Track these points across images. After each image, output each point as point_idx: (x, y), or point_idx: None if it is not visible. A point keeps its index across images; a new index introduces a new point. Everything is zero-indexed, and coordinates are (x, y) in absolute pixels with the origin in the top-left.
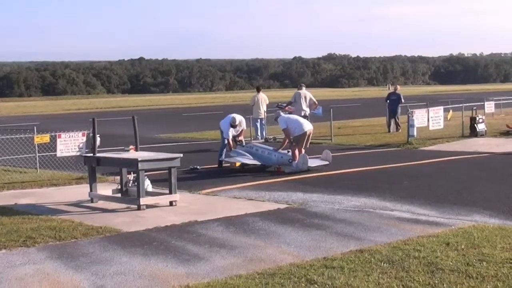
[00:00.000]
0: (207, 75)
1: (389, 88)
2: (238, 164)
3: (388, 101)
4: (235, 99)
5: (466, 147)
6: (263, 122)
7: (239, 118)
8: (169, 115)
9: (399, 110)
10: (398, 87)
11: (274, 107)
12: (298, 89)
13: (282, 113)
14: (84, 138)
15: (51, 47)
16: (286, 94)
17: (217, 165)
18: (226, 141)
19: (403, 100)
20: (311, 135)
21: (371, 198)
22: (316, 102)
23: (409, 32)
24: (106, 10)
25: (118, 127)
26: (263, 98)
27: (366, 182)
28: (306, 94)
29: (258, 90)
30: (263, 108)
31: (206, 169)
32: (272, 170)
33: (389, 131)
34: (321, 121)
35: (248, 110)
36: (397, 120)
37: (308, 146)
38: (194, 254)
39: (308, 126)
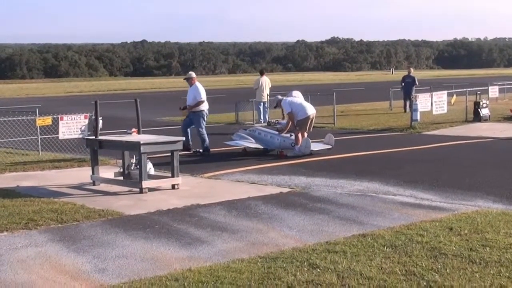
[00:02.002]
0: (209, 58)
1: (392, 73)
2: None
3: (403, 83)
4: (238, 82)
5: (469, 132)
6: (266, 105)
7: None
8: (171, 98)
9: (414, 91)
10: (412, 69)
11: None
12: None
13: (279, 97)
14: (86, 121)
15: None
16: (289, 77)
17: (223, 148)
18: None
19: (417, 83)
20: (314, 119)
21: (374, 182)
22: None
23: (413, 16)
24: None
25: (120, 110)
26: (267, 82)
27: (369, 166)
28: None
29: (262, 74)
30: (266, 92)
31: (209, 153)
32: (275, 154)
33: (405, 111)
34: (324, 105)
35: (251, 93)
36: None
37: (311, 130)
38: (196, 238)
39: (311, 110)
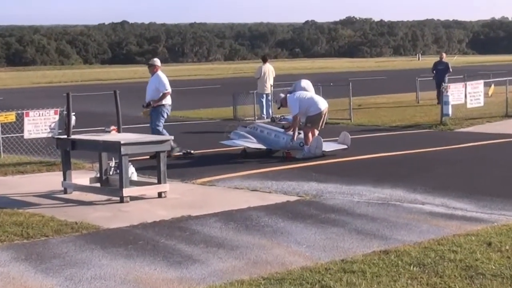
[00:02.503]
0: (202, 42)
1: (419, 59)
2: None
3: (434, 71)
4: (236, 71)
5: (510, 129)
6: (269, 98)
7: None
8: None
9: (447, 80)
10: (444, 55)
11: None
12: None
13: (282, 94)
14: (57, 117)
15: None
16: (297, 65)
17: (218, 149)
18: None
19: (451, 70)
20: (327, 115)
21: (397, 189)
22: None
23: None
24: None
25: (97, 104)
26: (270, 70)
27: (391, 170)
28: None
29: (265, 61)
30: (269, 82)
31: (202, 154)
32: (280, 155)
33: (438, 103)
34: (338, 97)
35: (252, 84)
36: None
37: (323, 127)
38: (187, 256)
39: (323, 104)
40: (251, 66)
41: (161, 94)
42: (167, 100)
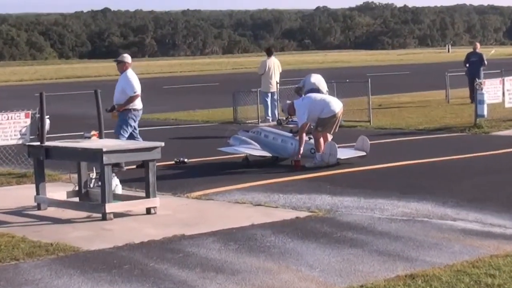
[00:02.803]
0: (197, 32)
1: (448, 51)
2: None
3: (467, 64)
4: (236, 66)
5: None
6: (275, 97)
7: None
8: (145, 88)
9: (482, 74)
10: (478, 45)
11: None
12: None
13: (288, 101)
14: (28, 121)
15: None
16: (307, 58)
17: (216, 156)
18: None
19: (486, 62)
20: (341, 117)
21: (425, 202)
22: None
23: None
24: None
25: (75, 105)
26: (276, 65)
27: (418, 180)
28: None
29: (269, 54)
30: (275, 78)
31: (197, 163)
32: (288, 164)
33: (471, 101)
34: (355, 96)
35: (255, 81)
36: None
37: (337, 131)
38: (180, 282)
39: (338, 105)
40: (254, 60)
41: (128, 97)
42: (136, 104)
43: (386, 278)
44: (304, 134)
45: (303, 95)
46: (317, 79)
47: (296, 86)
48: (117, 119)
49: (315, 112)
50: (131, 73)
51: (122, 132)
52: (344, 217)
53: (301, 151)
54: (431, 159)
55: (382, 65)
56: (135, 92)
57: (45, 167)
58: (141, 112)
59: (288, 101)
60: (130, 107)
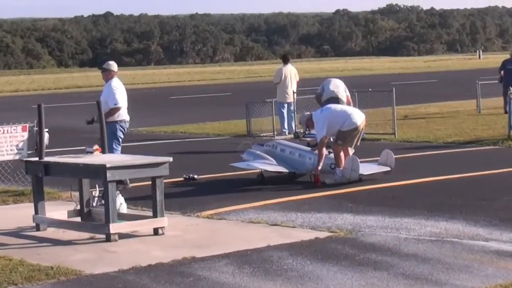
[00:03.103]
0: (206, 38)
1: (479, 57)
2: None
3: (502, 71)
4: (249, 74)
5: None
6: (292, 108)
7: None
8: (151, 98)
9: None
10: None
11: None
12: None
13: (307, 113)
14: (26, 135)
15: None
16: (325, 65)
17: (229, 172)
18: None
19: None
20: (363, 130)
21: (455, 221)
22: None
23: None
24: None
25: (75, 118)
26: (293, 73)
27: (447, 198)
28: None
29: (286, 61)
30: (292, 88)
31: (208, 180)
32: (306, 180)
33: (505, 112)
34: (378, 107)
35: (270, 90)
36: None
37: (358, 144)
38: None
39: (360, 117)
40: (268, 68)
41: (109, 109)
42: (122, 116)
43: None
44: (324, 149)
45: (322, 104)
46: (336, 86)
47: (316, 92)
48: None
49: (335, 125)
50: (116, 83)
51: (114, 146)
52: (367, 237)
53: (321, 166)
54: (461, 175)
55: (407, 72)
56: (115, 104)
57: (44, 185)
58: (128, 124)
59: (307, 113)
60: (116, 119)
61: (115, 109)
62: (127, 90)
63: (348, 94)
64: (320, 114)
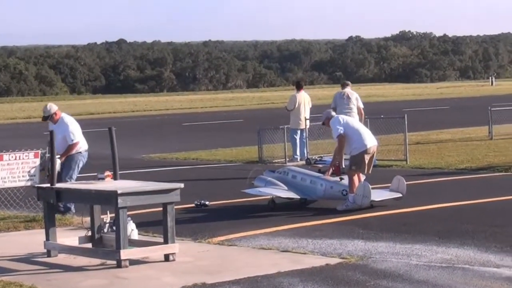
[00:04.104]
0: (219, 65)
1: (492, 83)
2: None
3: None
4: (262, 101)
5: None
6: (305, 135)
7: None
8: (163, 125)
9: None
10: None
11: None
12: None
13: (333, 113)
14: (38, 161)
15: None
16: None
17: (240, 199)
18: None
19: None
20: (375, 155)
21: (466, 248)
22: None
23: None
24: None
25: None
26: (306, 100)
27: (459, 224)
28: (353, 94)
29: (299, 88)
30: (304, 114)
31: (219, 206)
32: (318, 206)
33: None
34: (390, 133)
35: (282, 117)
36: None
37: (370, 172)
38: None
39: (371, 140)
40: (281, 94)
41: (68, 146)
42: (81, 147)
43: None
44: (343, 142)
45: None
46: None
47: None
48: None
49: (348, 131)
50: (67, 119)
51: (72, 176)
52: (379, 264)
53: (338, 164)
54: (473, 201)
55: (419, 99)
56: (72, 140)
57: (55, 211)
58: (87, 153)
59: (332, 113)
60: (80, 150)
61: (74, 145)
62: (144, 118)
63: (361, 105)
64: (338, 118)
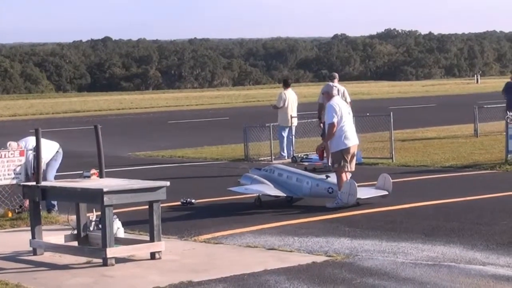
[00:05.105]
0: (204, 63)
1: (477, 81)
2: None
3: (505, 93)
4: (247, 99)
5: None
6: (292, 132)
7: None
8: (149, 123)
9: None
10: None
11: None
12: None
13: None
14: (23, 159)
15: None
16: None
17: (226, 197)
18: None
19: None
20: (356, 151)
21: (452, 246)
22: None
23: None
24: None
25: (73, 142)
26: (293, 98)
27: (444, 222)
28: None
29: (287, 85)
30: (291, 112)
31: (205, 204)
32: (304, 204)
33: None
34: (376, 131)
35: (268, 114)
36: None
37: (353, 169)
38: None
39: (353, 140)
40: (266, 92)
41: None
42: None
43: None
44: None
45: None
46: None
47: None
48: None
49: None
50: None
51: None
52: (365, 261)
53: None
54: (459, 199)
55: (405, 97)
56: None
57: (41, 209)
58: (60, 154)
59: (334, 90)
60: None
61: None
62: (129, 115)
63: (348, 99)
64: (332, 108)
